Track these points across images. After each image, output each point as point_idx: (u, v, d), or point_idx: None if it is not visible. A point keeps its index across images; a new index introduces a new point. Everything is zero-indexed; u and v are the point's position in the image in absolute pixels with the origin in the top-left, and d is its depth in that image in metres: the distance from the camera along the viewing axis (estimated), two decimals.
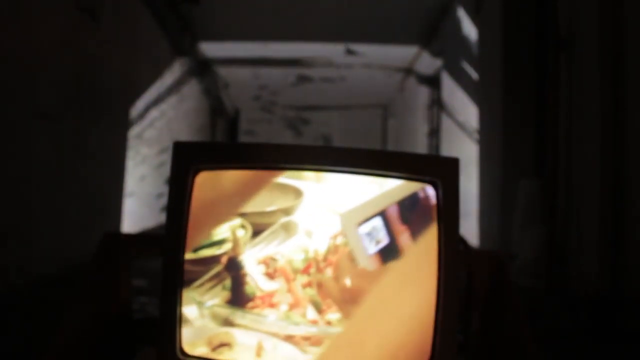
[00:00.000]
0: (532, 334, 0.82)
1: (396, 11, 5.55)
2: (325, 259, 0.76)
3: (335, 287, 0.75)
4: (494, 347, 0.90)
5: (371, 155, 0.78)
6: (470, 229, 4.34)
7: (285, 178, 0.78)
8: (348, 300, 0.75)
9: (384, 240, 0.75)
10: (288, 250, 0.76)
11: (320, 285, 0.76)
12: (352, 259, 0.75)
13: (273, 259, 0.76)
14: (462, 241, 0.87)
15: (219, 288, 0.77)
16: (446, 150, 5.80)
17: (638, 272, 2.35)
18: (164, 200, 5.42)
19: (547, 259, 2.99)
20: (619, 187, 2.53)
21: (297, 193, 0.77)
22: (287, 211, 0.77)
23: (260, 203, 0.78)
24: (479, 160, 4.38)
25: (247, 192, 0.78)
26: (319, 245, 0.76)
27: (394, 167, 0.77)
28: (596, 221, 2.62)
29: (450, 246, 0.75)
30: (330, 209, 0.77)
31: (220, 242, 0.77)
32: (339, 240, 0.76)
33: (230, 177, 0.79)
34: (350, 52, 6.94)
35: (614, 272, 2.50)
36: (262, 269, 0.77)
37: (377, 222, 0.76)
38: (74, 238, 3.29)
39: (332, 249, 0.76)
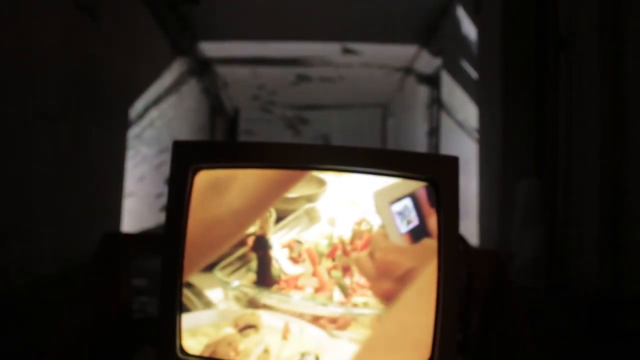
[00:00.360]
0: (531, 334, 0.82)
1: (395, 10, 5.55)
2: (351, 242, 0.76)
3: (369, 262, 0.75)
4: (493, 346, 0.90)
5: (370, 154, 0.78)
6: (470, 229, 4.34)
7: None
8: (382, 276, 0.75)
9: (415, 221, 0.76)
10: (312, 235, 0.77)
11: (346, 269, 0.76)
12: (385, 235, 0.76)
13: (298, 242, 0.77)
14: (462, 240, 0.87)
15: (244, 270, 0.77)
16: (446, 150, 5.79)
17: (638, 272, 2.35)
18: (163, 200, 5.41)
19: (547, 259, 2.99)
20: (619, 187, 2.53)
21: (320, 182, 0.78)
22: (310, 198, 0.77)
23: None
24: (479, 160, 4.38)
25: (247, 190, 0.78)
26: (344, 231, 0.76)
27: (394, 165, 0.77)
28: (596, 221, 2.62)
29: (450, 245, 0.75)
30: (353, 196, 0.77)
31: None
32: (364, 226, 0.76)
33: (230, 176, 0.79)
34: (347, 51, 6.93)
35: (614, 272, 2.50)
36: (286, 252, 0.77)
37: (408, 202, 0.76)
38: (74, 238, 3.29)
39: (358, 235, 0.76)
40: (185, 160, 0.78)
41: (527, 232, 3.24)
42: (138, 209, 4.85)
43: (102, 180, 3.91)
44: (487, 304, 0.92)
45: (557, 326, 2.22)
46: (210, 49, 6.97)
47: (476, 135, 4.55)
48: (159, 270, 0.77)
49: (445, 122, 5.85)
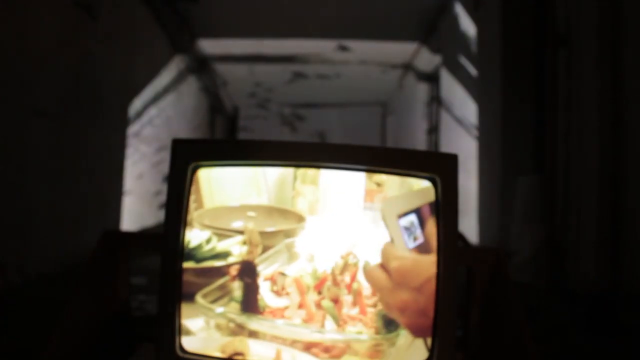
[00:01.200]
0: (530, 331, 0.82)
1: (395, 8, 5.54)
2: (341, 273, 0.74)
3: (382, 274, 0.73)
4: (493, 343, 0.90)
5: (369, 152, 0.78)
6: (469, 227, 4.34)
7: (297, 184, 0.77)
8: (399, 286, 0.73)
9: (420, 238, 0.75)
10: (296, 269, 0.75)
11: (336, 300, 0.74)
12: (394, 248, 0.74)
13: (282, 274, 0.75)
14: (462, 238, 0.87)
15: (226, 299, 0.75)
16: (445, 147, 5.79)
17: (636, 269, 2.35)
18: (161, 198, 5.41)
19: (546, 256, 2.99)
20: (618, 184, 2.53)
21: (299, 218, 0.76)
22: (288, 233, 0.76)
23: (261, 223, 0.76)
24: (479, 157, 4.38)
25: (247, 188, 0.78)
26: (330, 264, 0.74)
27: (393, 163, 0.77)
28: (595, 218, 2.62)
29: (449, 243, 0.75)
30: (335, 232, 0.75)
31: (225, 255, 0.76)
32: (351, 259, 0.74)
33: (229, 174, 0.79)
34: (344, 48, 6.91)
35: (613, 269, 2.50)
36: (268, 285, 0.75)
37: (414, 218, 0.75)
38: (73, 237, 3.29)
39: (346, 267, 0.74)
40: (185, 158, 0.78)
41: (527, 230, 3.24)
42: (137, 207, 4.84)
43: (101, 178, 3.91)
44: (487, 301, 0.92)
45: (556, 323, 2.23)
46: (209, 46, 6.96)
47: (476, 132, 4.55)
48: (157, 268, 0.77)
49: (445, 119, 5.84)
